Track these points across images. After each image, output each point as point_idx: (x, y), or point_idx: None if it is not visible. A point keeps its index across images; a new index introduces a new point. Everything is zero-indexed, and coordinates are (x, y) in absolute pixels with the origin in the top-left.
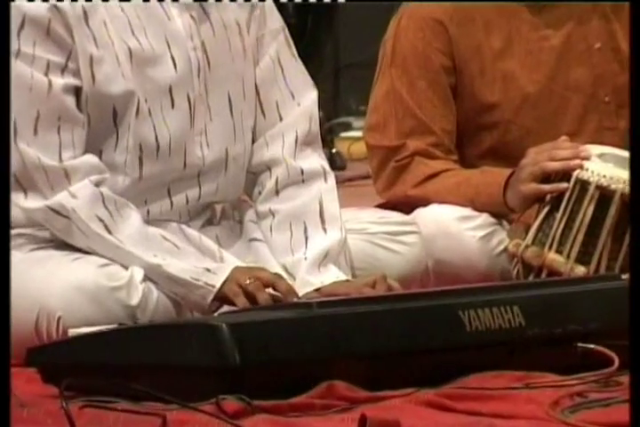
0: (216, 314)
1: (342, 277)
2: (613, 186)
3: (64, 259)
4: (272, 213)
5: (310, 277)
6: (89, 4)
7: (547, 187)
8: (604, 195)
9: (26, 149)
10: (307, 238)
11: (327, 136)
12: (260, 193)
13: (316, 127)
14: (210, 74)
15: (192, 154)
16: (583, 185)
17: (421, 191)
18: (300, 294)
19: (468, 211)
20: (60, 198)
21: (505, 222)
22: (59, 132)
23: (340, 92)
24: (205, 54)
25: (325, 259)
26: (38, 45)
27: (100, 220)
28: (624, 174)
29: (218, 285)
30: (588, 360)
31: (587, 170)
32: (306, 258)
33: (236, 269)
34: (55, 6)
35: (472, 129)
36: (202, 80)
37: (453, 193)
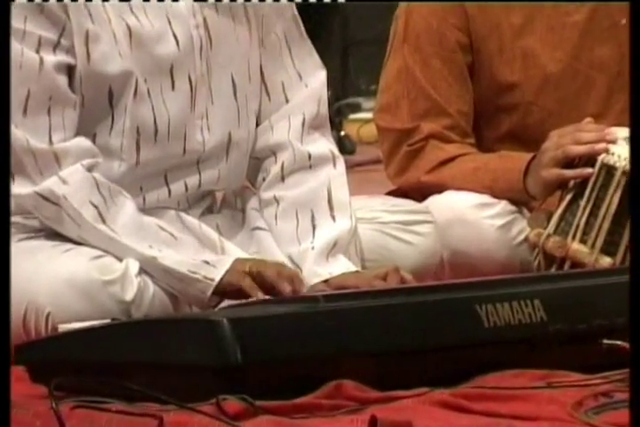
0: (216, 309)
1: (352, 268)
2: None
3: (54, 250)
4: (277, 201)
5: (318, 267)
6: None
7: (570, 172)
8: None
9: (14, 131)
10: (314, 227)
11: (335, 118)
12: (264, 179)
13: (324, 110)
14: (212, 53)
15: (192, 139)
16: (609, 170)
17: (436, 177)
18: (309, 285)
19: (485, 198)
20: (50, 184)
21: (525, 210)
22: (49, 114)
23: (349, 71)
24: (208, 33)
25: (334, 249)
26: (30, 21)
27: (94, 207)
28: None
29: (217, 278)
30: (614, 358)
31: (613, 154)
32: (313, 248)
33: (238, 261)
34: None
35: (490, 111)
36: (204, 60)
37: (470, 179)
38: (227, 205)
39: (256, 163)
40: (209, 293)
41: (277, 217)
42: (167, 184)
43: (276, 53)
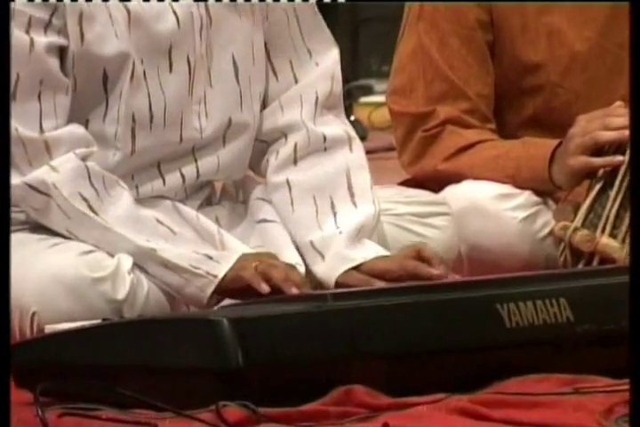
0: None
1: (382, 251)
2: None
3: (40, 244)
4: (289, 185)
5: (350, 252)
6: None
7: (599, 160)
8: None
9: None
10: (335, 214)
11: (344, 101)
12: (270, 161)
13: (338, 88)
14: (213, 32)
15: (189, 125)
16: None
17: (453, 165)
18: (337, 273)
19: (507, 188)
20: (40, 173)
21: (550, 201)
22: (39, 99)
23: (359, 51)
24: (208, 11)
25: (360, 234)
26: None
27: (84, 199)
28: None
29: (220, 275)
30: None
31: None
32: (341, 232)
33: (243, 257)
34: None
35: (512, 93)
36: (204, 40)
37: (490, 167)
38: (227, 196)
39: (262, 146)
40: (209, 290)
41: (294, 202)
42: (161, 174)
43: (284, 30)
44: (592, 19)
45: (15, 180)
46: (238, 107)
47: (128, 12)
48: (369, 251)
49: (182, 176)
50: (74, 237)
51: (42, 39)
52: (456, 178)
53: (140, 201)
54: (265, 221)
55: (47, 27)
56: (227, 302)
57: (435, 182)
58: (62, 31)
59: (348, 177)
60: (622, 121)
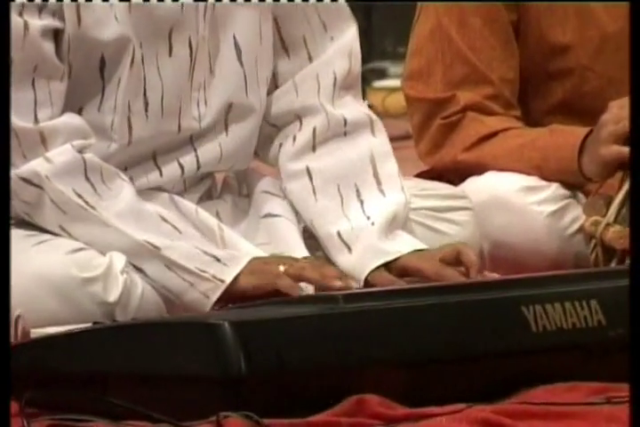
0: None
1: (418, 245)
2: None
3: (26, 241)
4: (310, 173)
5: (384, 245)
6: None
7: None
8: None
9: None
10: (362, 203)
11: None
12: (284, 148)
13: (357, 67)
14: (217, 14)
15: (187, 114)
16: None
17: (475, 156)
18: (369, 267)
19: (533, 180)
20: (34, 165)
21: (580, 195)
22: (34, 86)
23: (373, 31)
24: None
25: (392, 225)
26: None
27: (79, 194)
28: None
29: (228, 280)
30: None
31: None
32: (373, 223)
33: (255, 260)
34: None
35: (539, 77)
36: (208, 22)
37: (515, 158)
38: (228, 189)
39: (271, 130)
40: (214, 297)
41: (316, 192)
42: (158, 166)
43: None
44: None
45: None
46: (242, 91)
47: None
48: (404, 244)
49: (181, 167)
50: (67, 234)
51: (36, 22)
52: (477, 169)
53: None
54: (270, 215)
55: (42, 9)
56: None
57: (454, 174)
58: (58, 13)
59: (372, 163)
60: None
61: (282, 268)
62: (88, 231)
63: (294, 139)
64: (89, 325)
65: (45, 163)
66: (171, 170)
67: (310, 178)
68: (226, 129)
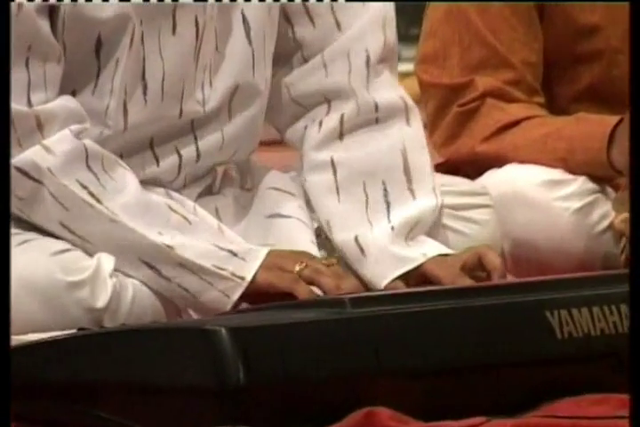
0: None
1: (443, 249)
2: None
3: None
4: (334, 166)
5: (404, 251)
6: None
7: None
8: None
9: None
10: (388, 204)
11: None
12: (310, 134)
13: (392, 37)
14: None
15: (190, 97)
16: None
17: (494, 146)
18: (389, 277)
19: (558, 173)
20: (32, 154)
21: (609, 189)
22: (27, 67)
23: None
24: None
25: (415, 231)
26: None
27: (84, 185)
28: None
29: (249, 276)
30: None
31: None
32: (393, 227)
33: (272, 253)
34: None
35: (565, 61)
36: None
37: (538, 149)
38: (229, 182)
39: (297, 110)
40: (235, 295)
41: (339, 189)
42: (155, 154)
43: None
44: None
45: None
46: (250, 71)
47: None
48: (425, 250)
49: (179, 156)
50: (68, 232)
51: None
52: (497, 161)
53: None
54: (279, 216)
55: None
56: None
57: (472, 166)
58: None
59: (404, 157)
60: None
61: (297, 267)
62: (93, 228)
63: (320, 124)
64: (74, 331)
65: (45, 153)
66: (168, 159)
67: (334, 172)
68: (229, 113)
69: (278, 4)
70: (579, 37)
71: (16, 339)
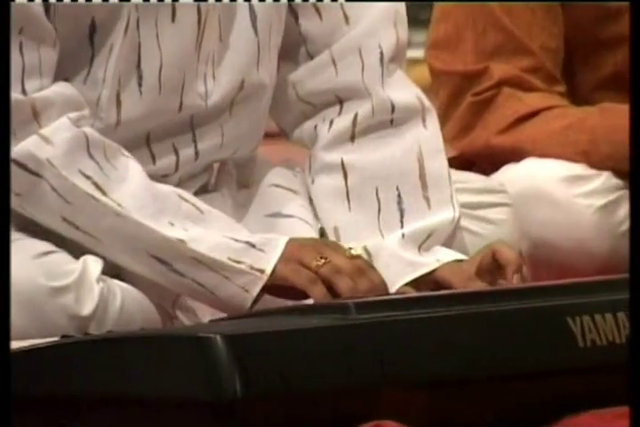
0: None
1: (457, 255)
2: None
3: None
4: (345, 169)
5: (415, 257)
6: None
7: None
8: None
9: None
10: (402, 213)
11: None
12: (320, 133)
13: (404, 36)
14: None
15: (192, 90)
16: None
17: (511, 139)
18: (398, 283)
19: (580, 168)
20: (29, 145)
21: None
22: (21, 52)
23: None
24: None
25: (428, 242)
26: None
27: (87, 176)
28: None
29: (269, 269)
30: None
31: None
32: (404, 235)
33: (292, 241)
34: None
35: (587, 46)
36: None
37: (559, 141)
38: (225, 179)
39: (306, 109)
40: (255, 290)
41: (350, 197)
42: (152, 152)
43: None
44: None
45: None
46: (254, 64)
47: None
48: (439, 256)
49: (176, 154)
50: (72, 227)
51: None
52: (514, 155)
53: None
54: (280, 215)
55: None
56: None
57: (487, 161)
58: None
59: (420, 162)
60: None
61: (315, 263)
62: (99, 223)
63: (331, 124)
64: (57, 339)
65: (43, 143)
66: (165, 157)
67: (345, 176)
68: (230, 110)
69: None
70: (602, 21)
71: None
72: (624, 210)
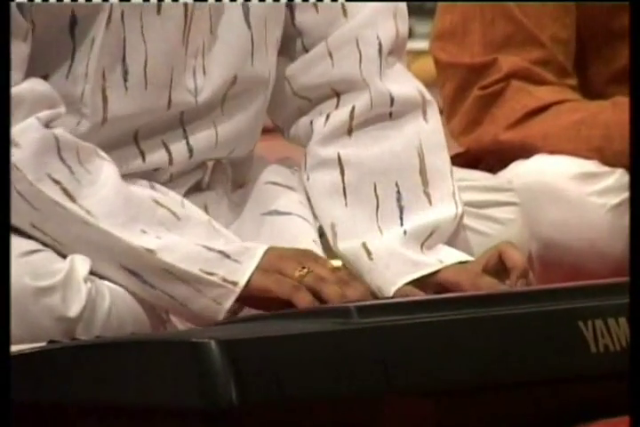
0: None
1: (462, 256)
2: None
3: None
4: (342, 164)
5: (419, 257)
6: None
7: None
8: None
9: None
10: (401, 210)
11: None
12: (316, 127)
13: (404, 29)
14: None
15: (180, 86)
16: None
17: (521, 134)
18: (399, 283)
19: (593, 165)
20: None
21: None
22: None
23: None
24: None
25: (430, 240)
26: None
27: (56, 181)
28: None
29: (242, 282)
30: None
31: None
32: (405, 232)
33: (271, 252)
34: None
35: (600, 38)
36: None
37: (570, 137)
38: (220, 177)
39: (302, 104)
40: (228, 303)
41: (347, 193)
42: (140, 149)
43: None
44: None
45: None
46: (248, 58)
47: None
48: (443, 256)
49: (169, 153)
50: (42, 234)
51: None
52: (524, 151)
53: None
54: (277, 213)
55: None
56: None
57: (495, 157)
58: None
59: (420, 157)
60: None
61: (298, 273)
62: (66, 230)
63: (327, 117)
64: (43, 344)
65: (11, 146)
66: (155, 154)
67: (342, 171)
68: (222, 107)
69: None
70: (616, 11)
71: None
72: None
